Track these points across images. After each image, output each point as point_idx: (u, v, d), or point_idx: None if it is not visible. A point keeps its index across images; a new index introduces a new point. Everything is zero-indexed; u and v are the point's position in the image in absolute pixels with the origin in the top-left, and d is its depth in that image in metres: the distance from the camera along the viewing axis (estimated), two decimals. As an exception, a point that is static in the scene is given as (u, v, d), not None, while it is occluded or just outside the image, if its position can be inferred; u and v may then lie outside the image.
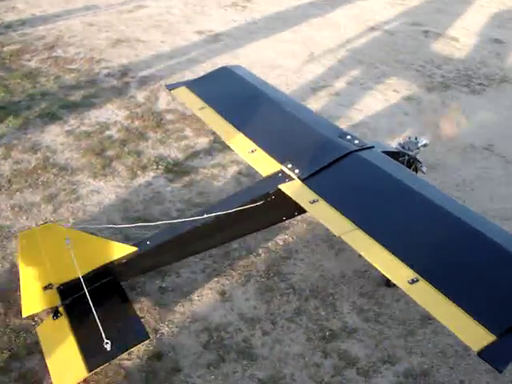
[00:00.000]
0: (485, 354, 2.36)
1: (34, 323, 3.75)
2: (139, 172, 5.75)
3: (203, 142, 6.36)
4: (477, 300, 2.60)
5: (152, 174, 5.74)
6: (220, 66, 5.54)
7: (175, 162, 5.96)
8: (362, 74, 8.68)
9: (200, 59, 8.64)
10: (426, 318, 4.23)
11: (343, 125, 6.91)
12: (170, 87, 5.00)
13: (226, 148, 6.20)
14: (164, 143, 6.27)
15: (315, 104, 7.60)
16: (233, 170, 5.90)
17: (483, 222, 3.08)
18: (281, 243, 4.88)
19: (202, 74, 7.55)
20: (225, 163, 5.98)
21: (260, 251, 4.78)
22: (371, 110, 7.54)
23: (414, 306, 4.36)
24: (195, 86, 4.83)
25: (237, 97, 4.56)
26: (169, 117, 6.82)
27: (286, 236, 4.95)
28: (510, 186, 6.03)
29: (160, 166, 5.84)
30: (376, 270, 3.06)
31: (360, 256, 3.15)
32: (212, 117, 4.43)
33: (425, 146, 4.39)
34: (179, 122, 6.71)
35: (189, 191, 5.50)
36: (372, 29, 11.04)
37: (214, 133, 6.38)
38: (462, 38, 11.13)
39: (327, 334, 4.07)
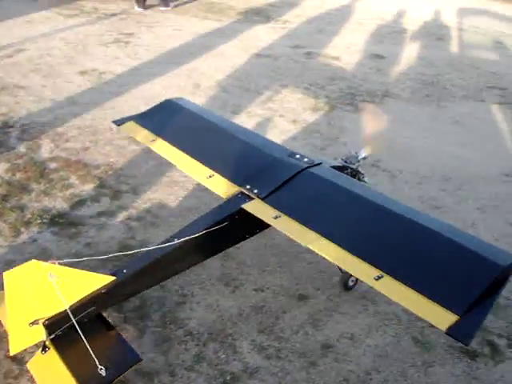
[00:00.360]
0: (452, 332, 2.66)
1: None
2: (23, 228, 5.44)
3: (89, 188, 6.13)
4: (436, 287, 2.91)
5: (37, 228, 5.45)
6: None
7: (61, 213, 5.69)
8: (247, 101, 8.75)
9: (83, 100, 8.39)
10: (326, 347, 4.22)
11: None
12: (118, 122, 5.08)
13: (115, 193, 6.02)
14: (48, 194, 5.99)
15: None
16: (122, 215, 5.71)
17: (427, 218, 3.51)
18: (175, 288, 4.73)
19: (86, 116, 7.38)
20: (113, 210, 5.77)
21: (154, 300, 4.60)
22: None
23: (313, 335, 4.36)
24: (142, 119, 4.96)
25: (186, 127, 4.78)
26: (52, 165, 6.54)
27: (181, 280, 4.81)
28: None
29: (45, 220, 5.54)
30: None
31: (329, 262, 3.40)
32: (165, 148, 4.58)
33: (364, 158, 4.72)
34: (63, 170, 6.44)
35: (76, 243, 5.25)
36: (257, 55, 11.22)
37: (100, 178, 6.20)
38: (343, 56, 11.54)
39: (228, 378, 3.97)
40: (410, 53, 12.60)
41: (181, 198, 6.16)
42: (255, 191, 3.88)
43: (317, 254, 3.36)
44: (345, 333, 4.47)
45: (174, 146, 4.55)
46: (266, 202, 3.80)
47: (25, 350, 3.42)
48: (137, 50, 11.13)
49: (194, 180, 5.97)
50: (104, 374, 3.13)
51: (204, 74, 10.03)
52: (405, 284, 2.97)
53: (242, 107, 8.47)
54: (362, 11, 16.75)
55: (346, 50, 12.40)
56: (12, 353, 3.35)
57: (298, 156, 4.17)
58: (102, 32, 12.26)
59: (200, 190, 6.23)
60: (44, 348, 3.39)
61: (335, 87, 9.91)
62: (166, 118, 4.94)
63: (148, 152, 6.87)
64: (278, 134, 7.81)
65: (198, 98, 8.79)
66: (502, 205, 6.57)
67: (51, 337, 3.38)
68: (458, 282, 2.94)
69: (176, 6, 15.32)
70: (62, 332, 3.37)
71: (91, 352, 3.16)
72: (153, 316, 4.50)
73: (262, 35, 13.02)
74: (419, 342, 4.41)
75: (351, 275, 4.32)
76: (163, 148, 4.61)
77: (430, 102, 9.73)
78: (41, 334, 3.36)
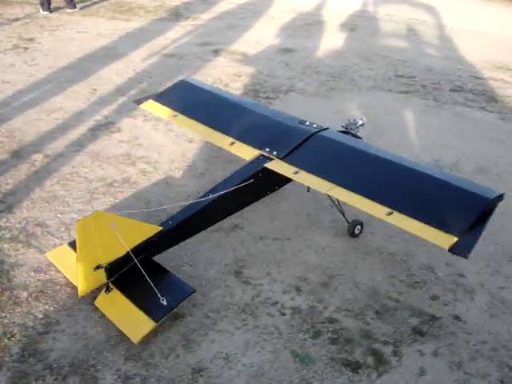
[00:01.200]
0: (453, 249, 3.53)
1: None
2: None
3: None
4: (438, 217, 3.74)
5: None
6: None
7: None
8: (143, 106, 8.34)
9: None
10: (198, 371, 3.92)
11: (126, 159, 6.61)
12: (138, 102, 5.84)
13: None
14: None
15: (94, 146, 7.13)
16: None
17: (423, 166, 4.44)
18: (40, 316, 4.33)
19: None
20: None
21: (15, 330, 4.19)
22: (153, 144, 7.23)
23: (185, 359, 4.05)
24: (161, 98, 5.72)
25: (203, 102, 5.52)
26: None
27: (47, 306, 4.41)
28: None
29: None
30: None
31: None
32: (186, 122, 5.34)
33: (362, 125, 5.60)
34: None
35: None
36: (162, 55, 10.82)
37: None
38: (251, 51, 11.28)
39: (85, 416, 3.59)
40: (320, 45, 12.48)
41: (59, 215, 5.72)
42: (274, 153, 4.67)
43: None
44: (219, 352, 4.17)
45: (195, 119, 5.28)
46: (284, 161, 4.59)
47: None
48: (35, 56, 10.54)
49: (76, 195, 5.61)
50: (165, 303, 3.84)
51: (102, 77, 9.57)
52: (412, 217, 3.79)
53: (139, 111, 8.06)
54: (278, 4, 16.55)
55: (255, 45, 12.15)
56: (80, 295, 4.06)
57: (307, 123, 5.03)
58: (0, 38, 11.58)
59: (83, 202, 5.86)
60: (108, 288, 4.06)
61: (239, 84, 9.64)
62: (183, 96, 5.68)
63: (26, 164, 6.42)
64: (173, 137, 7.47)
65: (93, 105, 8.34)
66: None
67: (112, 279, 4.03)
68: (456, 212, 3.75)
69: (83, 8, 14.67)
70: (121, 275, 4.04)
71: (153, 286, 3.82)
72: (12, 349, 4.08)
73: (171, 34, 12.62)
74: (298, 357, 4.16)
75: (357, 224, 5.34)
76: (184, 122, 5.36)
77: (336, 94, 9.55)
78: (103, 277, 3.99)
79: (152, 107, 5.69)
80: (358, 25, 14.85)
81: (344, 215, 5.37)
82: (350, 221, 5.36)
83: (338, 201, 5.13)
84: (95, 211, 3.92)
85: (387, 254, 5.40)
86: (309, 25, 14.50)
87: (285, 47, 12.14)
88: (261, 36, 13.02)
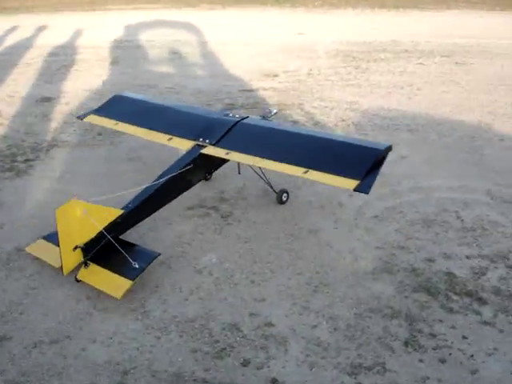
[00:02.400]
0: (357, 189, 4.76)
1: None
2: None
3: None
4: (343, 168, 4.93)
5: None
6: None
7: None
8: None
9: None
10: None
11: None
12: (81, 117, 6.92)
13: None
14: None
15: None
16: None
17: (325, 132, 6.31)
18: None
19: None
20: None
21: None
22: None
23: None
24: (101, 111, 6.75)
25: (138, 110, 6.58)
26: None
27: None
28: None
29: None
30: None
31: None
32: (126, 127, 6.36)
33: (275, 113, 6.94)
34: None
35: None
36: None
37: None
38: (5, 108, 10.01)
39: None
40: (80, 88, 11.59)
41: None
42: (207, 141, 5.73)
43: None
44: None
45: (134, 125, 6.27)
46: (217, 146, 5.64)
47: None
48: None
49: None
50: (137, 266, 4.75)
51: None
52: (323, 171, 4.94)
53: None
54: (33, 49, 15.15)
55: (8, 100, 10.79)
56: (65, 273, 4.83)
57: (230, 114, 6.18)
58: None
59: None
60: (86, 264, 4.86)
61: (-13, 151, 8.28)
62: (119, 107, 6.64)
63: None
64: None
65: None
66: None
67: (88, 257, 4.83)
68: (356, 163, 4.91)
69: None
70: (95, 252, 4.84)
71: (125, 254, 4.77)
72: None
73: None
74: None
75: (283, 193, 6.46)
76: (126, 128, 6.33)
77: (105, 139, 8.67)
78: (81, 256, 4.80)
79: (94, 120, 6.76)
80: (120, 57, 14.11)
81: (271, 186, 6.51)
82: (277, 190, 6.48)
83: (263, 174, 6.32)
84: (70, 200, 4.64)
85: (185, 323, 4.69)
86: (67, 66, 13.45)
87: (42, 96, 10.99)
88: (15, 88, 11.64)
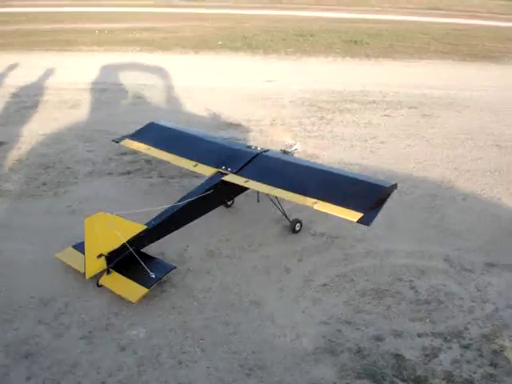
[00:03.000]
0: (360, 221, 5.42)
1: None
2: None
3: None
4: (350, 201, 5.62)
5: None
6: None
7: None
8: None
9: None
10: None
11: None
12: (117, 141, 7.91)
13: None
14: None
15: None
16: None
17: (335, 168, 6.74)
18: None
19: None
20: None
21: None
22: None
23: None
24: (135, 136, 7.70)
25: (169, 137, 7.52)
26: None
27: None
28: None
29: None
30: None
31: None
32: (157, 152, 7.24)
33: (296, 149, 7.37)
34: None
35: None
36: None
37: None
38: None
39: None
40: (36, 131, 11.09)
41: None
42: (229, 169, 6.48)
43: None
44: None
45: (164, 150, 7.14)
46: (237, 175, 6.39)
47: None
48: None
49: None
50: (154, 276, 5.42)
51: None
52: (330, 203, 5.65)
53: None
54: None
55: None
56: (87, 277, 5.44)
57: (253, 147, 6.91)
58: None
59: None
60: (108, 271, 5.50)
61: None
62: (153, 133, 7.55)
63: None
64: None
65: None
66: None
67: (111, 265, 5.50)
68: (362, 197, 5.63)
69: None
70: (118, 262, 5.52)
71: (143, 265, 5.45)
72: None
73: None
74: None
75: (297, 222, 6.97)
76: (157, 153, 7.20)
77: (49, 190, 8.17)
78: (104, 263, 5.46)
79: (128, 144, 7.55)
80: (82, 100, 13.71)
81: (285, 214, 7.03)
82: (290, 219, 6.98)
83: (278, 202, 6.85)
84: (97, 212, 5.23)
85: (95, 415, 4.10)
86: (27, 108, 12.96)
87: (-6, 141, 10.43)
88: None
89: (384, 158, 9.96)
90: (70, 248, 5.98)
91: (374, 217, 5.48)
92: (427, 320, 5.46)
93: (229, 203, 7.49)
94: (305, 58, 20.40)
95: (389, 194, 5.90)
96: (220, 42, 23.26)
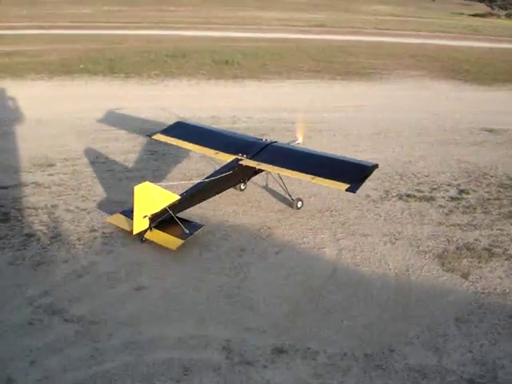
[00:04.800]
0: (347, 190, 7.11)
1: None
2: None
3: None
4: (340, 176, 7.28)
5: None
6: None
7: None
8: None
9: None
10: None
11: None
12: (150, 134, 9.66)
13: None
14: None
15: None
16: None
17: (329, 153, 8.29)
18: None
19: None
20: None
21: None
22: None
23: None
24: (166, 132, 9.38)
25: (194, 132, 9.20)
26: None
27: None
28: None
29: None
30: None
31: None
32: (185, 144, 9.01)
33: (298, 143, 9.25)
34: None
35: None
36: None
37: None
38: None
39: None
40: None
41: None
42: (245, 156, 8.21)
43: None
44: None
45: (192, 142, 8.91)
46: (252, 160, 8.12)
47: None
48: None
49: None
50: (188, 232, 7.02)
51: None
52: (325, 178, 7.33)
53: None
54: None
55: None
56: (135, 232, 6.96)
57: (263, 139, 8.82)
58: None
59: None
60: (150, 229, 7.06)
61: None
62: (180, 130, 9.35)
63: None
64: None
65: None
66: None
67: (154, 224, 7.07)
68: (349, 174, 7.38)
69: None
70: (158, 222, 7.10)
71: (180, 223, 7.13)
72: None
73: None
74: None
75: (298, 201, 8.57)
76: (185, 144, 8.99)
77: None
78: (147, 223, 7.02)
79: (161, 138, 9.33)
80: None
81: (289, 193, 8.61)
82: (293, 198, 8.57)
83: (283, 183, 8.61)
84: (144, 182, 7.06)
85: None
86: None
87: None
88: None
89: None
90: (118, 214, 7.63)
91: (358, 187, 7.29)
92: None
93: (242, 187, 9.04)
94: (167, 81, 18.87)
95: (371, 172, 7.71)
96: (82, 66, 21.34)
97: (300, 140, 9.31)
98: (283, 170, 7.76)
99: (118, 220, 7.47)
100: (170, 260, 6.89)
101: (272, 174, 8.55)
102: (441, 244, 7.67)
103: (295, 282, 6.50)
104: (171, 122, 13.17)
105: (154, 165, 10.46)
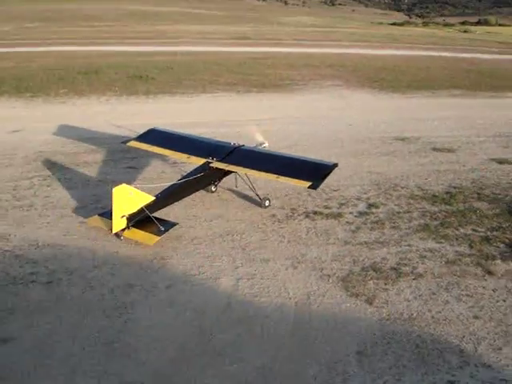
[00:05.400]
0: (310, 187, 8.09)
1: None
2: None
3: None
4: (303, 175, 8.15)
5: None
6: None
7: None
8: None
9: None
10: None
11: None
12: (124, 142, 10.31)
13: None
14: None
15: None
16: None
17: (294, 155, 9.54)
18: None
19: None
20: None
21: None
22: None
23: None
24: (140, 138, 10.12)
25: (167, 138, 9.95)
26: None
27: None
28: None
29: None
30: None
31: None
32: (159, 150, 9.70)
33: (264, 146, 10.05)
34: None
35: None
36: None
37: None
38: None
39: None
40: None
41: None
42: (215, 159, 8.90)
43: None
44: None
45: (164, 148, 9.60)
46: (221, 162, 8.81)
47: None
48: None
49: None
50: (163, 229, 7.60)
51: None
52: (289, 177, 8.23)
53: None
54: None
55: None
56: (114, 232, 7.53)
57: (232, 143, 9.39)
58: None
59: None
60: (128, 227, 7.60)
61: None
62: (153, 136, 10.04)
63: None
64: None
65: None
66: None
67: (131, 224, 7.61)
68: (311, 173, 8.30)
69: None
70: (135, 222, 7.63)
71: (155, 221, 7.66)
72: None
73: None
74: None
75: (266, 200, 9.23)
76: (158, 150, 9.69)
77: None
78: (125, 222, 7.56)
79: (135, 144, 9.98)
80: None
81: (256, 193, 9.22)
82: (261, 197, 9.20)
83: (250, 181, 9.20)
84: (121, 184, 7.49)
85: None
86: None
87: None
88: None
89: (90, 232, 7.72)
90: (96, 216, 8.04)
91: (319, 185, 8.21)
92: None
93: (213, 189, 9.62)
94: (75, 100, 17.93)
95: (331, 170, 8.51)
96: (-17, 87, 20.05)
97: (266, 144, 10.09)
98: (250, 170, 8.51)
99: (97, 222, 7.93)
100: (47, 302, 6.12)
101: (240, 174, 9.13)
102: (346, 265, 7.24)
103: (184, 321, 5.89)
104: (73, 143, 12.53)
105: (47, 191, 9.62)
